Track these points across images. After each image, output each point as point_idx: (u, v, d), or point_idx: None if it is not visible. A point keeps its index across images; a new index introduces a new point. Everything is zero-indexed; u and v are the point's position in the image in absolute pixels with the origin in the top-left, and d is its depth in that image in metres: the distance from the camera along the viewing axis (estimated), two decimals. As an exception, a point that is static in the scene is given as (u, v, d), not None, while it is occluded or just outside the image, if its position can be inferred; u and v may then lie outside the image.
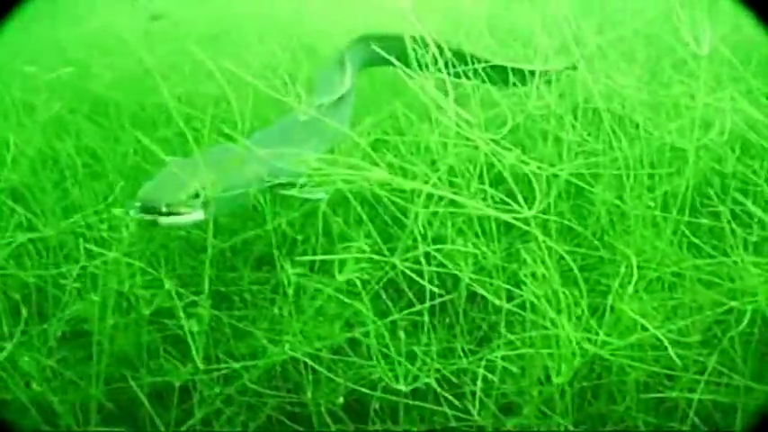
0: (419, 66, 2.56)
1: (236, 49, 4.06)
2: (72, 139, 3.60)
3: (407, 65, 3.12)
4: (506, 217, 2.22)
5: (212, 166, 2.53)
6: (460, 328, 2.44)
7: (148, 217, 2.39)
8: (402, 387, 2.28)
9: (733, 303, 2.15)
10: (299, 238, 2.79)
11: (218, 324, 2.65)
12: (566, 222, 2.52)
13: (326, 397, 2.55)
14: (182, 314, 2.47)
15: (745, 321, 2.14)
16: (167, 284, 2.53)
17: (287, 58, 3.72)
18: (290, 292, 2.43)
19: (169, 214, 2.39)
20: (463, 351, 2.37)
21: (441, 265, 2.37)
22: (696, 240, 2.37)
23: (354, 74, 3.38)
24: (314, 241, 2.67)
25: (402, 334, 2.39)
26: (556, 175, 2.43)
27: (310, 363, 2.44)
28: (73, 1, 5.13)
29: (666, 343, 1.96)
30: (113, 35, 4.39)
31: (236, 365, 2.49)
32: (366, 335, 2.37)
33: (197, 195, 2.44)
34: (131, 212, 2.43)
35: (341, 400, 2.56)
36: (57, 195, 3.15)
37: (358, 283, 2.38)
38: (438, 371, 2.31)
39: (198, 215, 2.45)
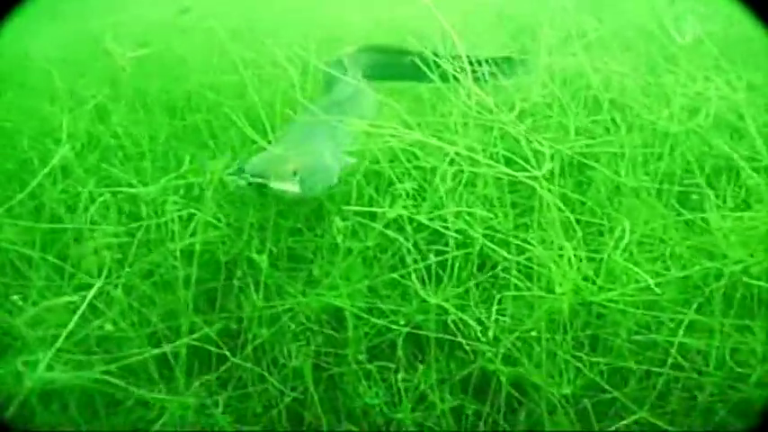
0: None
1: (259, 40, 4.32)
2: (111, 123, 3.88)
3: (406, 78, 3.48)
4: (520, 176, 2.55)
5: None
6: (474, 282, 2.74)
7: (259, 181, 2.76)
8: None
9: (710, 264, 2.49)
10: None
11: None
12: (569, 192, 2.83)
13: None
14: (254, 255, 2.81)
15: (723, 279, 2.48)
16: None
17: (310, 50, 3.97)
18: (340, 239, 2.76)
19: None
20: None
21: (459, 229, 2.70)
22: (679, 207, 2.70)
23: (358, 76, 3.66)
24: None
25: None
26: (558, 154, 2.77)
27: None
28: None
29: (653, 284, 2.29)
30: (144, 26, 4.65)
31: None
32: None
33: (295, 173, 2.80)
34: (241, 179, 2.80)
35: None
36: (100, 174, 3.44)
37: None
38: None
39: (295, 188, 2.79)
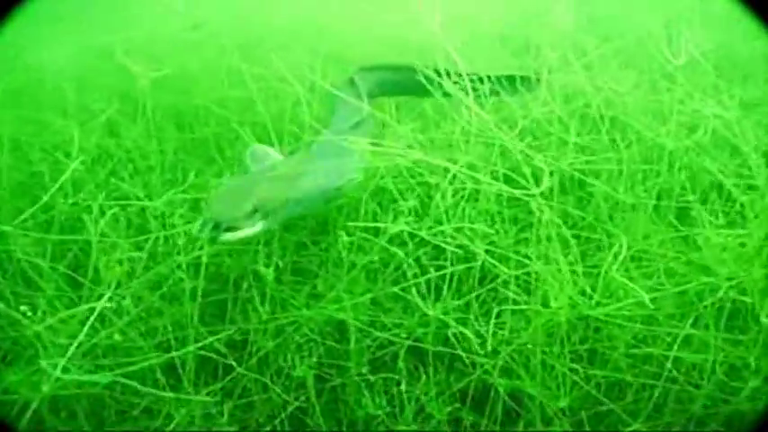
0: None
1: (267, 56, 4.40)
2: (120, 137, 3.96)
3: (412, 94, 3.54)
4: (518, 193, 2.62)
5: (267, 181, 2.90)
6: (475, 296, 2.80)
7: (212, 234, 2.65)
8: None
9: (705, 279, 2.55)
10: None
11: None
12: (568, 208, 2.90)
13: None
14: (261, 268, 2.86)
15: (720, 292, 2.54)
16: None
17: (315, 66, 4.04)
18: (345, 254, 2.82)
19: (230, 229, 2.66)
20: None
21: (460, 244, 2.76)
22: (676, 224, 2.76)
23: (366, 98, 3.64)
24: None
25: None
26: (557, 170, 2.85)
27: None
28: (114, 9, 5.45)
29: (647, 300, 2.35)
30: (155, 42, 4.73)
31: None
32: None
33: (255, 210, 2.72)
34: (199, 231, 2.69)
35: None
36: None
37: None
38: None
39: (257, 228, 2.74)
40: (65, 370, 2.34)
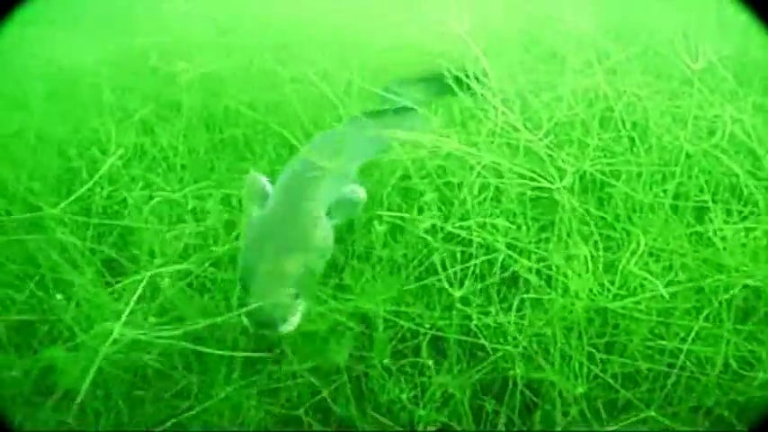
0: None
1: (296, 60, 4.53)
2: (153, 135, 4.09)
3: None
4: (541, 182, 2.74)
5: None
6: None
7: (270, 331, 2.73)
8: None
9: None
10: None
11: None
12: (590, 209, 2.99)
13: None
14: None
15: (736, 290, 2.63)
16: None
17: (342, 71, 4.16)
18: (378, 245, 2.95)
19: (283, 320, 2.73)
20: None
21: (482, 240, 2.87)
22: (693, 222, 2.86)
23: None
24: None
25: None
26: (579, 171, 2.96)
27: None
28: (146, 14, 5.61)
29: (662, 290, 2.44)
30: (187, 45, 4.87)
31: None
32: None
33: (297, 296, 2.77)
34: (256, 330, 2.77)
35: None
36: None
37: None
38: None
39: (301, 306, 2.79)
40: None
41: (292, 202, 3.09)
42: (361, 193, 3.16)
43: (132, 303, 2.51)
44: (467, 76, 3.18)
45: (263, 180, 3.30)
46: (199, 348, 2.68)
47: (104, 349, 2.38)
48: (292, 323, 2.74)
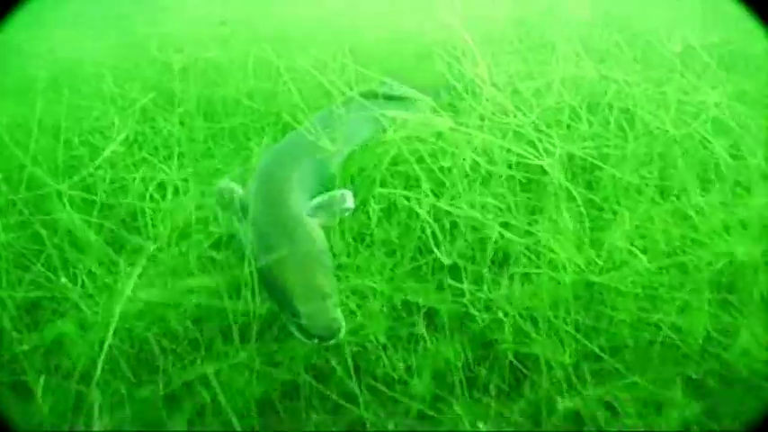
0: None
1: (291, 51, 4.62)
2: (153, 123, 4.19)
3: None
4: (530, 157, 2.87)
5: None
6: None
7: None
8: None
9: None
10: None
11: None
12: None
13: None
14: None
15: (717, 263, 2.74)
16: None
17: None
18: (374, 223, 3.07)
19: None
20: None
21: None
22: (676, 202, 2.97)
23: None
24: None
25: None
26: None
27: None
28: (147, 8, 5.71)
29: (645, 261, 2.55)
30: (187, 37, 4.97)
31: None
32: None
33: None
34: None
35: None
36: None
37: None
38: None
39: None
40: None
41: (274, 206, 3.17)
42: (349, 203, 3.22)
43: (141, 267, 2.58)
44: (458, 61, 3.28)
45: (234, 187, 3.37)
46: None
47: (118, 309, 2.46)
48: (344, 326, 2.85)
